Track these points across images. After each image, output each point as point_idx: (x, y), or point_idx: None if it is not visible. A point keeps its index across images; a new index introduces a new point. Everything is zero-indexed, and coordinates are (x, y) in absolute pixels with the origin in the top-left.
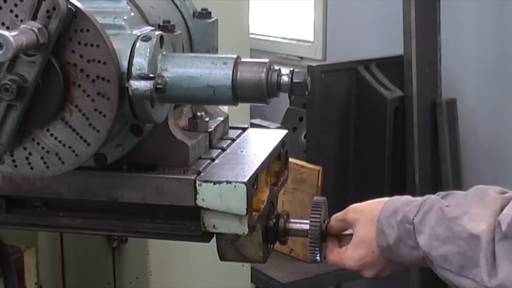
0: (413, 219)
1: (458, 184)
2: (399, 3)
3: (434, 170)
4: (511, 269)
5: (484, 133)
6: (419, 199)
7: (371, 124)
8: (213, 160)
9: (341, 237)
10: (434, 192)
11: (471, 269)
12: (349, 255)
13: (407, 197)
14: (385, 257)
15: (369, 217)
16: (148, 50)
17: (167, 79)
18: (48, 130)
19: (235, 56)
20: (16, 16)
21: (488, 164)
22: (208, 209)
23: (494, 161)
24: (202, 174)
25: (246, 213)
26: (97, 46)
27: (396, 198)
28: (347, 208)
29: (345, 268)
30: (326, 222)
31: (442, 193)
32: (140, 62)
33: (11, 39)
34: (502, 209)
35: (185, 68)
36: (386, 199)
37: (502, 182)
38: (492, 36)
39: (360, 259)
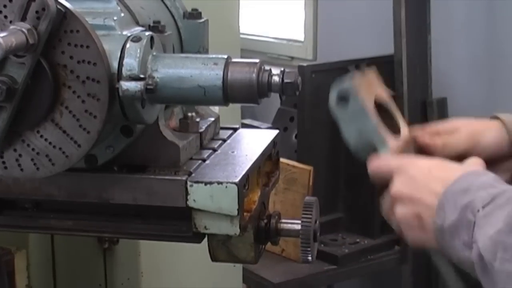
0: (478, 211)
1: None
2: (389, 3)
3: None
4: None
5: None
6: (501, 186)
7: None
8: (204, 160)
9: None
10: None
11: None
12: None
13: (492, 178)
14: (435, 241)
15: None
16: (138, 51)
17: (158, 79)
18: (38, 132)
19: (225, 57)
20: (5, 17)
21: None
22: (199, 209)
23: None
24: (193, 174)
25: (238, 214)
26: (87, 47)
27: (481, 172)
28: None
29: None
30: (317, 222)
31: None
32: (130, 63)
33: (0, 40)
34: None
35: (176, 69)
36: (477, 160)
37: None
38: (482, 36)
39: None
